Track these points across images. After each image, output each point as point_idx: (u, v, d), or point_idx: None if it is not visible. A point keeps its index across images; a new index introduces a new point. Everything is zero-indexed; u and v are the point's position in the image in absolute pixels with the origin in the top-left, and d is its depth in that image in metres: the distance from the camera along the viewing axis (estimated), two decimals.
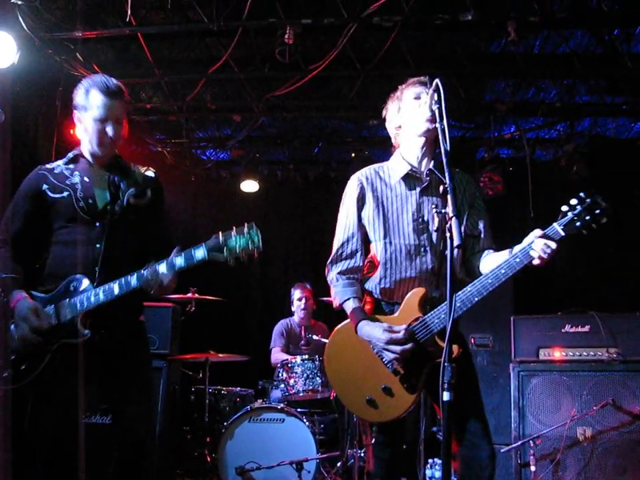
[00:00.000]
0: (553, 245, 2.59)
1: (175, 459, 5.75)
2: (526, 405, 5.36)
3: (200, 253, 2.81)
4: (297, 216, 7.76)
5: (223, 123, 7.10)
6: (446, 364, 2.16)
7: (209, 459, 5.37)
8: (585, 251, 6.97)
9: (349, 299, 2.95)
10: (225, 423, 5.30)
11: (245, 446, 5.16)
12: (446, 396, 2.14)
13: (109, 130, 3.03)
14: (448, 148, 2.38)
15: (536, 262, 2.64)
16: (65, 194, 3.04)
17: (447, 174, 2.35)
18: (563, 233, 2.61)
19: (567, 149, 6.66)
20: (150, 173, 3.24)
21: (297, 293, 6.56)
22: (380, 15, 4.95)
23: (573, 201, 2.62)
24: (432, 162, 2.98)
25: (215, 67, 5.69)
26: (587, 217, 2.59)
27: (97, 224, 3.01)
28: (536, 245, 2.62)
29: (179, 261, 2.84)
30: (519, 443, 5.19)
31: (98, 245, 2.99)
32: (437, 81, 2.48)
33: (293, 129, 7.13)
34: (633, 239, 6.36)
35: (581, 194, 2.63)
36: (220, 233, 2.81)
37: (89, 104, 3.04)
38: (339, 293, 2.99)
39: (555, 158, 6.91)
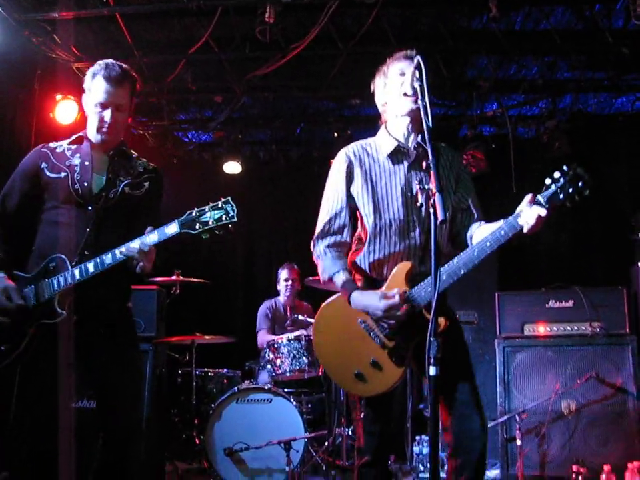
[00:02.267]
0: (543, 212, 2.59)
1: (163, 442, 5.75)
2: (511, 380, 5.42)
3: (172, 227, 2.85)
4: (281, 196, 7.73)
5: (204, 104, 7.04)
6: (432, 338, 2.17)
7: (197, 441, 5.39)
8: (568, 227, 7.03)
9: (338, 271, 2.95)
10: (213, 405, 5.31)
11: (233, 427, 5.18)
12: (432, 370, 2.15)
13: (107, 115, 3.04)
14: (430, 124, 2.37)
15: (526, 229, 2.64)
16: (62, 174, 3.06)
17: (429, 150, 2.35)
18: (546, 206, 2.62)
19: (548, 125, 6.67)
20: (152, 166, 3.28)
21: (284, 274, 6.55)
22: None
23: (556, 174, 2.63)
24: (419, 136, 2.97)
25: (195, 48, 5.64)
26: (570, 189, 2.60)
27: (90, 208, 3.01)
28: (524, 214, 2.62)
29: (152, 235, 2.86)
30: (505, 417, 5.26)
31: (87, 229, 2.99)
32: (418, 58, 2.47)
33: (275, 109, 7.09)
34: (614, 214, 6.40)
35: (564, 167, 2.63)
36: (195, 208, 2.82)
37: (92, 88, 3.07)
38: (328, 266, 2.98)
39: (537, 134, 6.92)
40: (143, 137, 7.40)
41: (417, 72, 2.49)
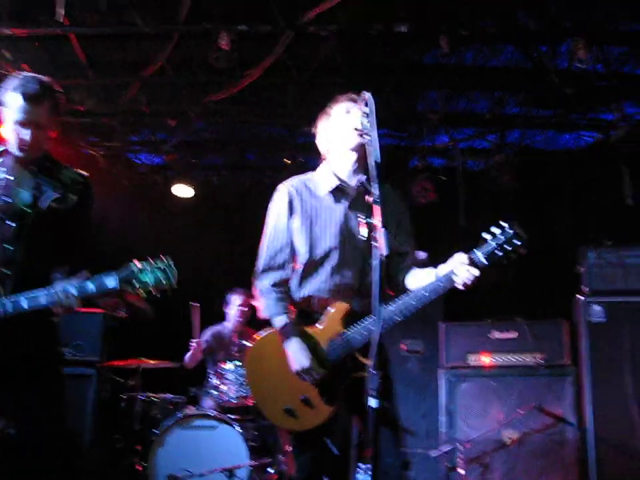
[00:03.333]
0: (476, 272, 2.68)
1: (105, 468, 5.64)
2: (455, 409, 5.49)
3: (111, 282, 2.82)
4: (232, 221, 7.71)
5: (158, 127, 7.00)
6: (373, 372, 2.20)
7: (139, 468, 5.30)
8: (513, 259, 7.17)
9: (280, 313, 3.00)
10: (156, 431, 5.24)
11: (177, 453, 5.12)
12: (373, 402, 2.18)
13: (26, 135, 2.95)
14: (378, 159, 2.43)
15: (459, 286, 2.74)
16: None
17: (376, 185, 2.40)
18: (486, 262, 2.70)
19: (497, 159, 6.84)
20: (80, 177, 3.16)
21: (238, 299, 6.49)
22: (316, 24, 4.99)
23: (495, 229, 2.71)
24: (362, 176, 3.03)
25: (151, 71, 5.63)
26: (508, 248, 2.68)
27: (13, 224, 2.92)
28: (459, 271, 2.70)
29: (90, 286, 2.82)
30: (449, 447, 5.31)
31: (10, 247, 2.91)
32: (368, 94, 2.53)
33: (229, 134, 7.10)
34: (558, 248, 6.57)
35: (502, 223, 2.72)
36: (135, 262, 2.81)
37: (10, 105, 2.96)
38: (271, 306, 3.02)
39: (486, 168, 7.08)
40: (93, 158, 7.32)
41: (365, 107, 2.54)
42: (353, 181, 3.06)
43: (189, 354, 6.07)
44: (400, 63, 5.73)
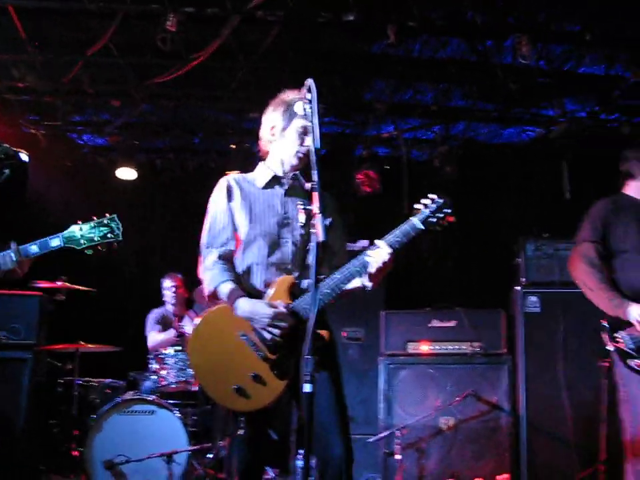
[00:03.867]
0: (388, 251, 2.80)
1: (40, 454, 5.54)
2: (394, 396, 5.57)
3: (55, 241, 2.82)
4: (175, 205, 7.64)
5: (101, 107, 6.87)
6: (308, 356, 2.21)
7: (75, 454, 5.23)
8: (454, 250, 7.32)
9: (225, 280, 2.96)
10: (94, 416, 5.17)
11: (114, 439, 5.06)
12: (307, 387, 2.19)
13: None
14: (318, 146, 2.44)
15: (373, 268, 2.83)
16: None
17: (315, 172, 2.41)
18: (422, 227, 2.84)
19: (441, 150, 6.93)
20: (13, 151, 3.10)
21: (166, 282, 6.50)
22: (263, 8, 4.97)
23: (426, 200, 2.88)
24: (299, 170, 3.13)
25: (94, 50, 5.52)
26: (440, 215, 2.85)
27: None
28: (375, 252, 2.82)
29: (34, 248, 2.80)
30: (386, 432, 5.39)
31: None
32: (310, 80, 2.54)
33: (174, 117, 7.01)
34: (497, 239, 6.70)
35: (431, 195, 2.89)
36: (79, 221, 2.80)
37: None
38: (215, 276, 2.99)
39: (430, 158, 7.17)
40: (34, 137, 7.14)
41: (308, 94, 2.54)
42: (289, 173, 3.14)
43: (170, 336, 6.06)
44: (348, 52, 5.75)
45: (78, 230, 2.82)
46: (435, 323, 5.71)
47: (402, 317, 5.78)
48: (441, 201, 2.86)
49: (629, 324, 3.63)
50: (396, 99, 6.45)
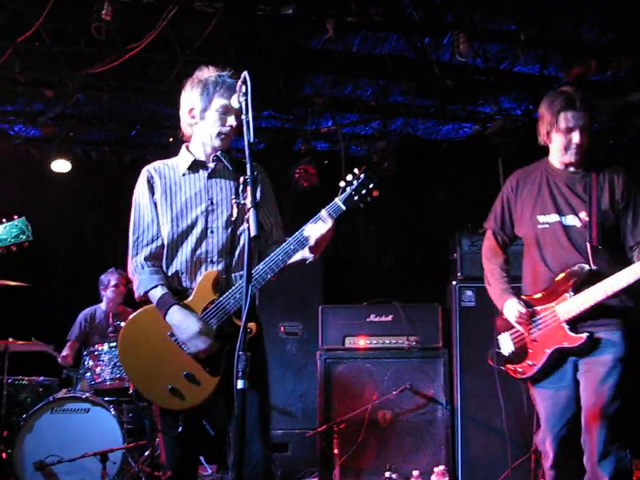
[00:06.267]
0: (328, 224, 2.76)
1: None
2: (331, 390, 5.59)
3: None
4: (111, 198, 7.48)
5: (34, 97, 6.66)
6: (240, 352, 2.19)
7: (4, 456, 5.07)
8: (392, 245, 7.39)
9: (155, 286, 2.91)
10: (24, 416, 5.03)
11: (46, 439, 4.95)
12: (240, 384, 2.18)
13: None
14: (252, 140, 2.41)
15: (312, 240, 2.78)
16: None
17: (248, 166, 2.39)
18: (344, 207, 2.80)
19: (379, 145, 6.98)
20: None
21: (113, 279, 6.33)
22: (201, 0, 4.90)
23: (349, 177, 2.83)
24: (219, 152, 3.03)
25: (24, 36, 5.34)
26: (363, 191, 2.80)
27: None
28: (313, 225, 2.79)
29: None
30: (324, 427, 5.40)
31: None
32: (245, 73, 2.51)
33: (110, 109, 6.85)
34: (435, 234, 6.80)
35: (355, 170, 2.84)
36: None
37: None
38: (145, 280, 2.94)
39: (368, 153, 7.21)
40: None
41: (243, 87, 2.51)
42: (210, 157, 3.05)
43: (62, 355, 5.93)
44: (287, 46, 5.72)
45: None
46: (373, 318, 5.75)
47: (339, 311, 5.81)
48: (363, 176, 2.81)
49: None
50: (335, 93, 6.46)
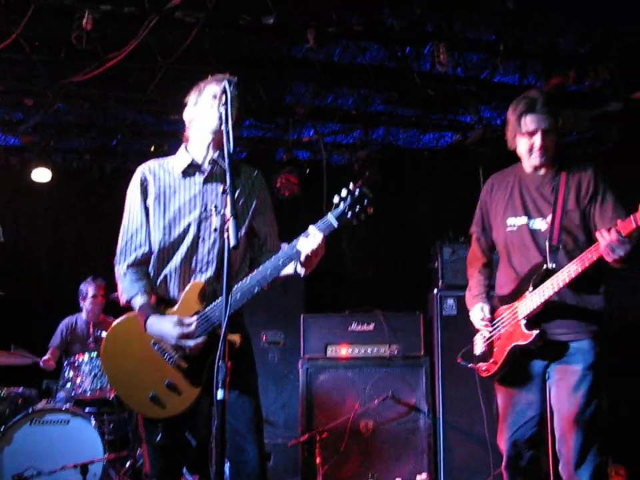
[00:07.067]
0: (319, 239, 2.73)
1: None
2: (313, 400, 5.59)
3: None
4: (92, 207, 7.44)
5: (14, 105, 6.62)
6: (220, 363, 2.19)
7: None
8: (374, 254, 7.41)
9: (136, 294, 2.91)
10: (3, 428, 4.97)
11: (25, 452, 4.90)
12: (220, 394, 2.17)
13: None
14: (231, 150, 2.42)
15: (303, 255, 2.75)
16: None
17: (227, 175, 2.39)
18: (335, 224, 2.75)
19: (361, 154, 7.01)
20: None
21: (91, 289, 6.28)
22: (183, 9, 4.90)
23: (343, 192, 2.76)
24: (217, 153, 3.02)
25: (4, 45, 5.30)
26: (357, 208, 2.73)
27: None
28: (304, 240, 2.76)
29: None
30: (306, 436, 5.40)
31: None
32: (225, 83, 2.51)
33: (91, 118, 6.82)
34: (417, 243, 6.82)
35: (350, 185, 2.78)
36: None
37: None
38: (127, 288, 2.94)
39: (350, 162, 7.24)
40: None
41: (223, 97, 2.52)
42: (207, 159, 3.04)
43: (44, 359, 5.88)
44: (268, 55, 5.73)
45: None
46: (354, 327, 5.76)
47: (321, 320, 5.82)
48: (358, 192, 2.73)
49: None
50: (316, 103, 6.47)
